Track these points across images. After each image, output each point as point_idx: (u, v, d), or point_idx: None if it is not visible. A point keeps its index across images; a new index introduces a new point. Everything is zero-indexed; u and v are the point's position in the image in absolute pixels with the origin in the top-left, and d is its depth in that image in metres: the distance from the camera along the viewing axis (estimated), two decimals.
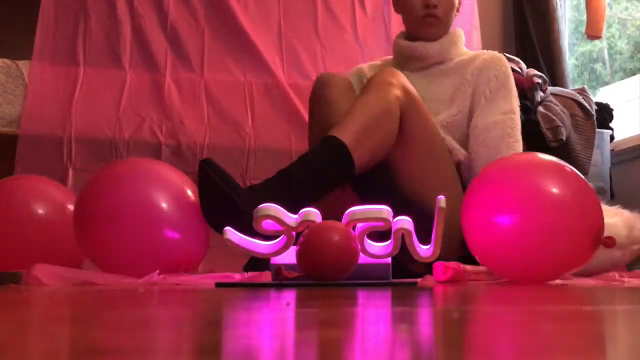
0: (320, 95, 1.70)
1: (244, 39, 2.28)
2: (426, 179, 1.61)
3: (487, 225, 1.19)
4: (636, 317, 0.60)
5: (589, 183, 1.22)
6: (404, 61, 1.86)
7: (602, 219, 1.18)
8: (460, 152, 1.71)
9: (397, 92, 1.56)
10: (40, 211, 1.52)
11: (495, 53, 1.87)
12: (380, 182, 1.59)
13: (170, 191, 1.38)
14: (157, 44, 2.21)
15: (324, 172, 1.41)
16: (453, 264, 1.26)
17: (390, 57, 1.95)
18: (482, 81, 1.77)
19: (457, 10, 1.91)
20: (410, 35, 1.88)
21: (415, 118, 1.59)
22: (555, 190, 1.17)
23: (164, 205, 1.35)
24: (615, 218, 1.55)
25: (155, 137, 2.10)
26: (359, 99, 1.55)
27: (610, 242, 1.14)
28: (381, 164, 1.54)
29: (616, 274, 1.44)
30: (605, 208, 1.58)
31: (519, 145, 1.75)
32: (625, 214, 1.60)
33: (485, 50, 1.90)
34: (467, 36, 2.54)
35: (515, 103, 1.79)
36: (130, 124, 2.10)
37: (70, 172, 2.00)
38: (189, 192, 1.40)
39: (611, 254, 1.52)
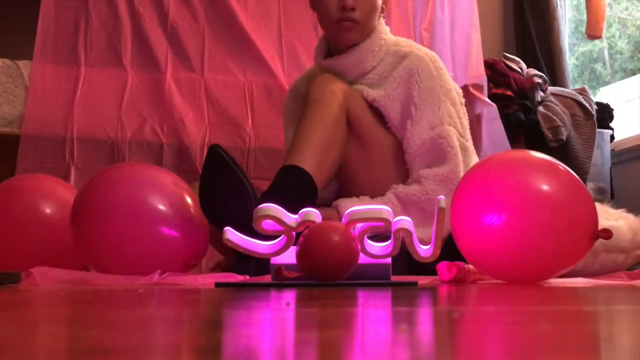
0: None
1: (244, 39, 2.28)
2: (379, 170, 1.61)
3: (477, 225, 1.17)
4: (636, 318, 0.60)
5: (579, 179, 1.20)
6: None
7: (596, 215, 1.16)
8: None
9: (338, 97, 1.55)
10: (47, 210, 1.52)
11: (421, 52, 1.67)
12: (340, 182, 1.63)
13: (166, 191, 1.38)
14: (158, 44, 2.21)
15: (293, 204, 1.34)
16: (457, 264, 1.25)
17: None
18: (409, 89, 1.61)
19: (383, 12, 1.72)
20: (329, 41, 1.74)
21: (360, 113, 1.59)
22: (546, 188, 1.15)
23: (160, 205, 1.35)
24: (620, 221, 1.54)
25: (156, 136, 2.10)
26: (308, 117, 1.53)
27: (607, 235, 1.14)
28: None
29: (622, 274, 1.44)
30: (609, 211, 1.58)
31: (457, 153, 1.58)
32: (630, 218, 1.59)
33: (411, 47, 1.69)
34: (467, 36, 2.53)
35: (446, 108, 1.61)
36: (132, 123, 2.10)
37: (73, 172, 2.00)
38: (185, 194, 1.40)
39: (614, 258, 1.51)
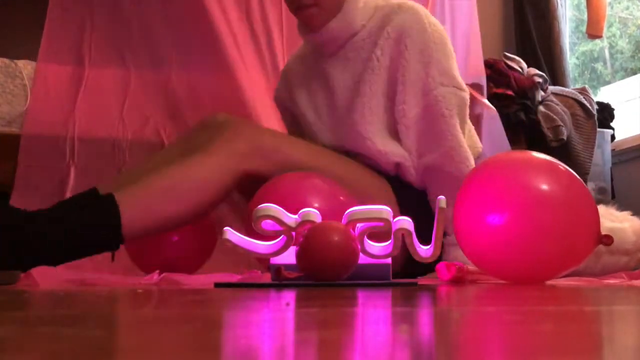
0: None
1: (248, 39, 2.28)
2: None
3: (479, 225, 1.17)
4: (637, 318, 0.60)
5: (582, 181, 1.20)
6: (316, 49, 1.59)
7: (598, 217, 1.16)
8: (394, 155, 1.47)
9: (233, 157, 1.33)
10: None
11: (405, 5, 1.50)
12: None
13: None
14: (162, 44, 2.21)
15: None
16: (457, 263, 1.26)
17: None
18: (395, 56, 1.46)
19: None
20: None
21: (286, 155, 1.39)
22: (548, 188, 1.15)
23: None
24: (624, 224, 1.54)
25: (158, 136, 2.10)
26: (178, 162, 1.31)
27: (608, 241, 1.14)
28: None
29: (623, 274, 1.44)
30: (613, 213, 1.58)
31: (455, 121, 1.45)
32: (635, 220, 1.60)
33: (395, 4, 1.51)
34: (467, 36, 2.54)
35: (437, 69, 1.45)
36: (134, 123, 2.10)
37: (73, 171, 2.00)
38: None
39: (617, 260, 1.51)
